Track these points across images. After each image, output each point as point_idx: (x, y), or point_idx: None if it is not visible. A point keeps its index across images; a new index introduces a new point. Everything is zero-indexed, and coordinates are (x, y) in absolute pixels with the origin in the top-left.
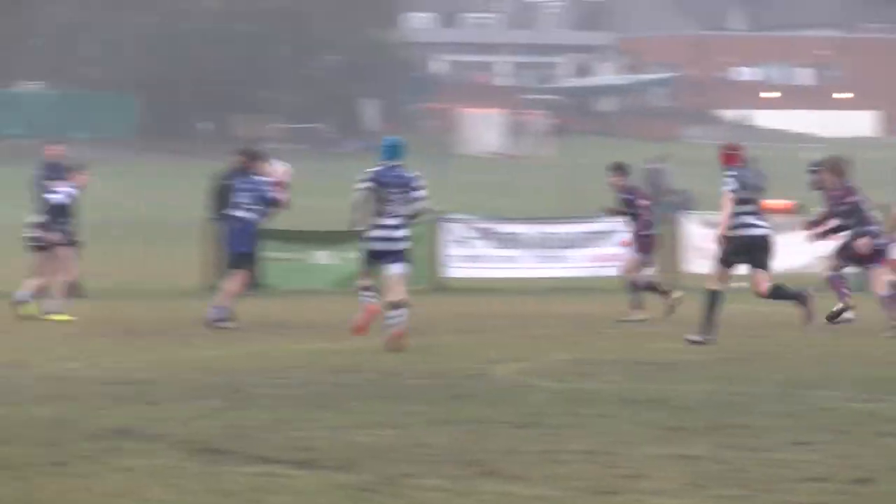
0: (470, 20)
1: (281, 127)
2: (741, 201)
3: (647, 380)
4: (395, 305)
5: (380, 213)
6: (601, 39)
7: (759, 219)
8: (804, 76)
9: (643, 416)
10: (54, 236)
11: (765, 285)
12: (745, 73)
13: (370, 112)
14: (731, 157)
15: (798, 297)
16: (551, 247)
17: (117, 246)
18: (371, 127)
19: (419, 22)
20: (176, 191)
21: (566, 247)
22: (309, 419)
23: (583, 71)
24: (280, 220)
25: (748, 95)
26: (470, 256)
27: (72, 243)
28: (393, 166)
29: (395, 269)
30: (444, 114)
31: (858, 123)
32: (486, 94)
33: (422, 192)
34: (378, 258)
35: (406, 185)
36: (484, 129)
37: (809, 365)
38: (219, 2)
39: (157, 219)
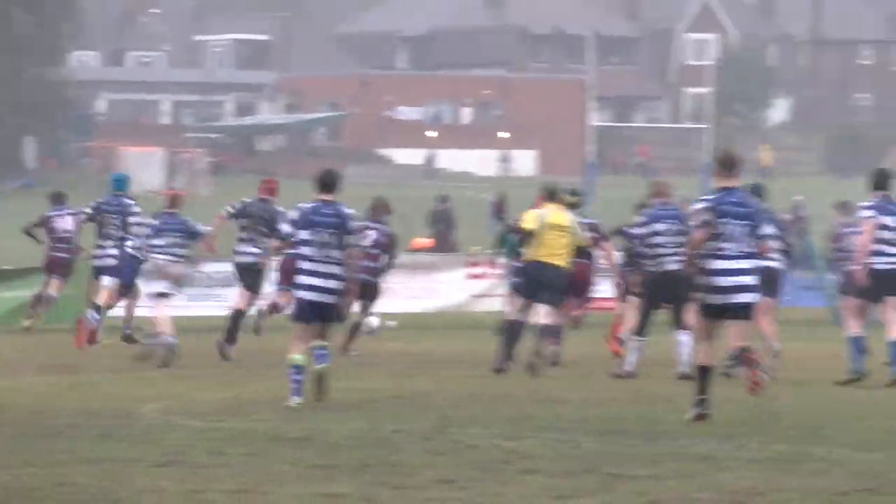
0: (134, 59)
1: None
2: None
3: (298, 418)
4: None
5: (105, 237)
6: (265, 78)
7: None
8: (467, 115)
9: (291, 454)
10: None
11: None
12: (410, 113)
13: (30, 150)
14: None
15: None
16: (209, 285)
17: None
18: (30, 165)
19: (83, 60)
20: None
21: (223, 285)
22: None
23: (246, 110)
24: None
25: (412, 135)
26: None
27: None
28: (116, 195)
29: (106, 282)
30: (106, 152)
31: (521, 163)
32: (149, 133)
33: (137, 219)
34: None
35: (127, 213)
36: (144, 168)
37: (461, 404)
38: None
39: None
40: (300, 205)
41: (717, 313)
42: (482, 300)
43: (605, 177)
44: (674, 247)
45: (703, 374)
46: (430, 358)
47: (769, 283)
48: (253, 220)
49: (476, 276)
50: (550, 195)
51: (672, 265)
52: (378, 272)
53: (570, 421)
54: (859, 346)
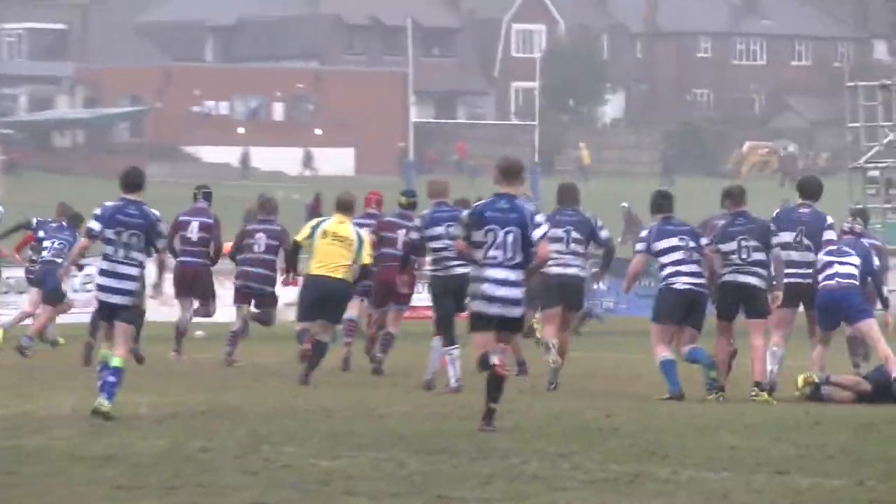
0: None
1: None
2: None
3: (99, 434)
4: None
5: None
6: (61, 70)
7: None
8: (279, 111)
9: (93, 473)
10: None
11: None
12: (218, 107)
13: None
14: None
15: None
16: (5, 291)
17: None
18: None
19: None
20: None
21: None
22: None
23: (42, 104)
24: None
25: (221, 131)
26: None
27: None
28: None
29: None
30: None
31: (338, 161)
32: None
33: None
34: None
35: None
36: None
37: (275, 419)
38: None
39: None
40: (106, 203)
41: (486, 323)
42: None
43: (426, 176)
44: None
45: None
46: (241, 369)
47: (571, 292)
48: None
49: (288, 283)
50: (340, 204)
51: (458, 269)
52: (272, 280)
53: (394, 437)
54: (670, 369)
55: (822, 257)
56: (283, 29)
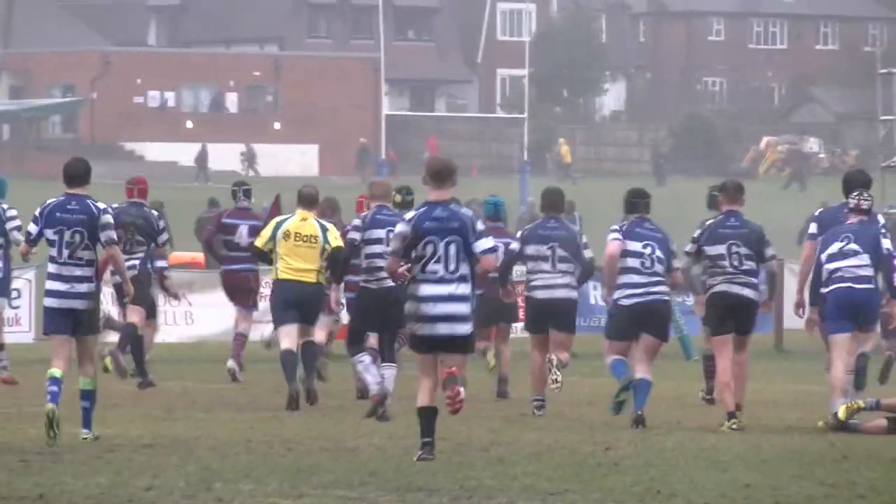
0: None
1: None
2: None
3: (28, 472)
4: None
5: None
6: None
7: None
8: (233, 102)
9: None
10: None
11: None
12: (163, 99)
13: None
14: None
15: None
16: None
17: None
18: None
19: None
20: None
21: None
22: None
23: None
24: None
25: (167, 125)
26: None
27: None
28: None
29: None
30: None
31: (301, 160)
32: None
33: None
34: None
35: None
36: None
37: (229, 453)
38: None
39: None
40: (47, 201)
41: (429, 345)
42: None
43: (402, 177)
44: None
45: (424, 414)
46: (190, 398)
47: (562, 316)
48: (126, 228)
49: None
50: (303, 198)
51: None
52: None
53: (364, 474)
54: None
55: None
56: (237, 9)
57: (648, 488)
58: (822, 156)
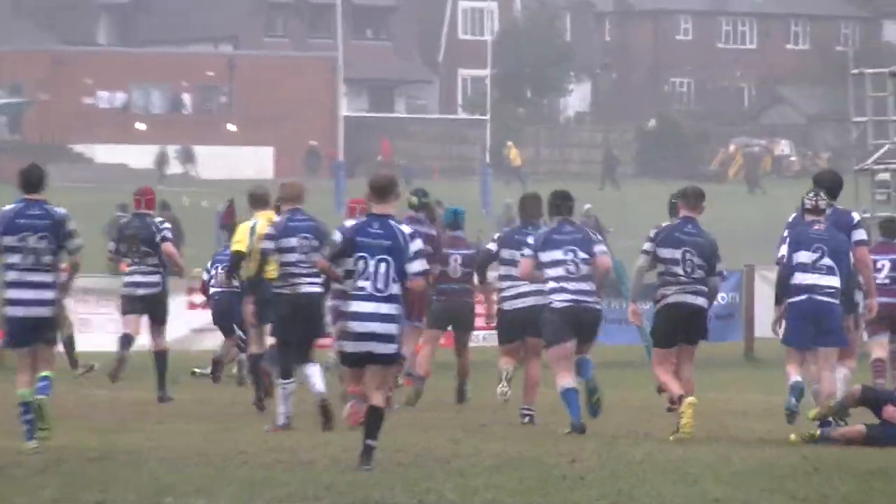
0: None
1: None
2: None
3: None
4: None
5: None
6: None
7: None
8: (186, 103)
9: None
10: None
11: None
12: (114, 99)
13: None
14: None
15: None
16: None
17: None
18: None
19: None
20: None
21: None
22: None
23: None
24: None
25: (118, 127)
26: None
27: None
28: None
29: None
30: None
31: (256, 160)
32: None
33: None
34: None
35: None
36: None
37: (182, 466)
38: None
39: None
40: (3, 208)
41: (354, 361)
42: (206, 335)
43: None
44: (308, 266)
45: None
46: (143, 409)
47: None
48: (130, 241)
49: (198, 306)
50: (256, 200)
51: (307, 287)
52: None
53: (319, 487)
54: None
55: None
56: (192, 8)
57: (615, 502)
58: (793, 158)
